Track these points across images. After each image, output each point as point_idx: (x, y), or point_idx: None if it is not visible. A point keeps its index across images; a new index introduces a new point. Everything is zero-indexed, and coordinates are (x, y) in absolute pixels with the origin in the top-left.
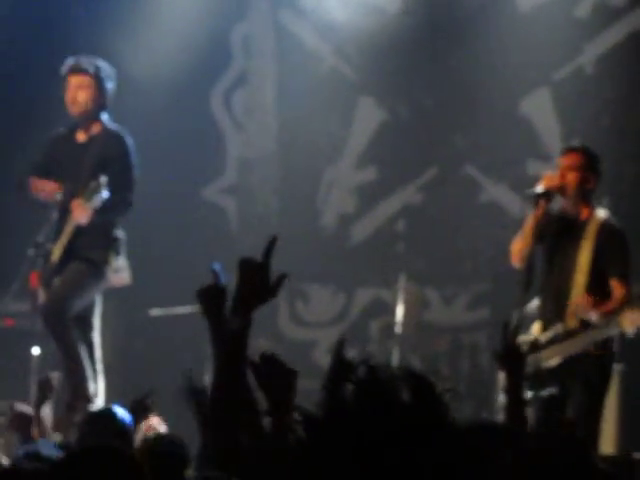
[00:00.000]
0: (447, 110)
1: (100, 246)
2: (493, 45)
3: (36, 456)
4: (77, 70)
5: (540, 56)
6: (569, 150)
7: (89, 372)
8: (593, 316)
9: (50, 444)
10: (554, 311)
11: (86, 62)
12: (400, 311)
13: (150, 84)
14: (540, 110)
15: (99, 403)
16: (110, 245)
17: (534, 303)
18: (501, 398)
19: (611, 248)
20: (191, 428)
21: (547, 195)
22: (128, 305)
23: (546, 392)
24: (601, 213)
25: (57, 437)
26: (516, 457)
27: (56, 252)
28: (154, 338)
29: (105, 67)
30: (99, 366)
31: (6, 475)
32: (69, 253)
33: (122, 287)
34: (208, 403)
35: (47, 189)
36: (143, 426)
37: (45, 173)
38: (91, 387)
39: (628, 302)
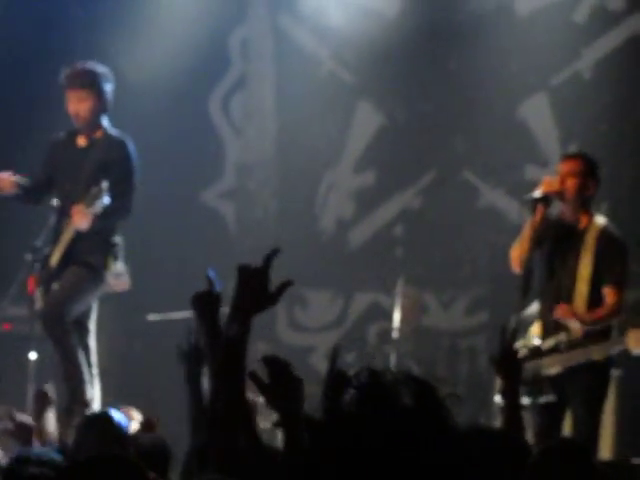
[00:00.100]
0: (445, 114)
1: (99, 251)
2: (491, 49)
3: (27, 460)
4: (75, 85)
5: (538, 60)
6: (569, 156)
7: (87, 376)
8: (573, 322)
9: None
10: (555, 319)
11: (82, 73)
12: (398, 315)
13: (149, 88)
14: (538, 115)
15: (96, 407)
16: (109, 250)
17: (532, 308)
18: (498, 401)
19: (609, 255)
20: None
21: (546, 200)
22: (126, 310)
23: (544, 399)
24: (600, 220)
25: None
26: (519, 462)
27: (55, 257)
28: (152, 343)
29: (102, 71)
30: (95, 370)
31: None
32: (68, 258)
33: (120, 292)
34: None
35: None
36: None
37: (47, 178)
38: (89, 391)
39: (618, 311)
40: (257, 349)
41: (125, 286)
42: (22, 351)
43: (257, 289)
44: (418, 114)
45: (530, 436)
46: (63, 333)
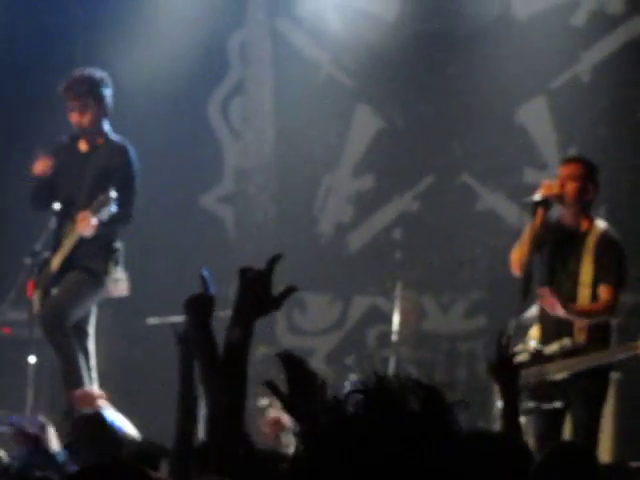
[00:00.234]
0: (444, 118)
1: (100, 256)
2: (490, 53)
3: (32, 464)
4: (74, 95)
5: (537, 64)
6: (569, 160)
7: (86, 380)
8: (559, 311)
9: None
10: (556, 322)
11: (81, 82)
12: (397, 319)
13: (147, 92)
14: (537, 119)
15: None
16: (110, 256)
17: (531, 311)
18: (499, 406)
19: (607, 258)
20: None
21: (545, 203)
22: (126, 314)
23: (550, 406)
24: (600, 224)
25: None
26: (519, 466)
27: (56, 261)
28: (151, 347)
29: (100, 77)
30: (94, 374)
31: None
32: (69, 262)
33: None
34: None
35: None
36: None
37: (50, 182)
38: None
39: (611, 310)
40: (256, 352)
41: (124, 292)
42: (21, 355)
43: (260, 293)
44: (417, 118)
45: (531, 440)
46: (63, 337)
